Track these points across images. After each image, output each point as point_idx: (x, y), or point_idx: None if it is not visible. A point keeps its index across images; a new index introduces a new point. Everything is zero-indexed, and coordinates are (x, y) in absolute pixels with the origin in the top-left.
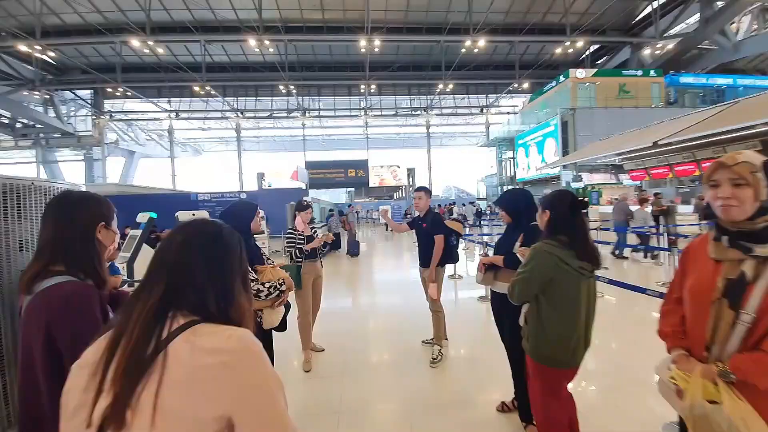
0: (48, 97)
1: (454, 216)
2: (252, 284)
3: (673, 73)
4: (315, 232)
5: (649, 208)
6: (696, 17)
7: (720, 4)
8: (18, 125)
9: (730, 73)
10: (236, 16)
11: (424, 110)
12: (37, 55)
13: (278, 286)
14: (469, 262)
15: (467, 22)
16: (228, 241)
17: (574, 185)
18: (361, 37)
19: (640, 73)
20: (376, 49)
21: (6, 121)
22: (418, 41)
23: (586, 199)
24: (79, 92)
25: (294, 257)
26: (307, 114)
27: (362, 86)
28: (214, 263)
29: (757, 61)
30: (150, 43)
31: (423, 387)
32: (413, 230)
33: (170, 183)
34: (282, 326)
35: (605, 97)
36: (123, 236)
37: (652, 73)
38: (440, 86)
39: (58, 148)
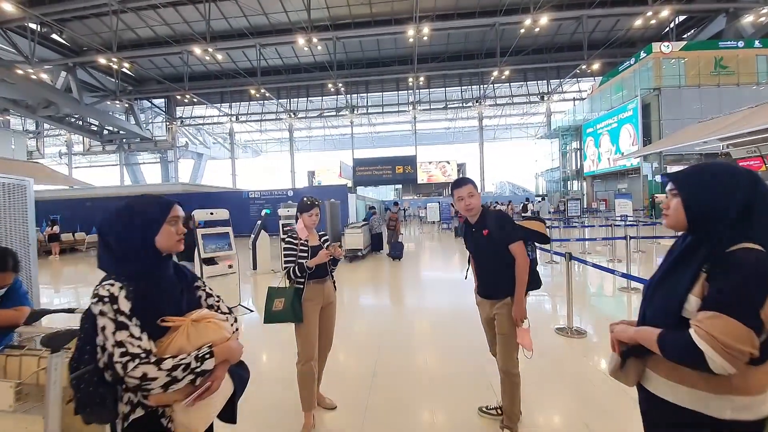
0: (128, 106)
1: (528, 214)
2: (132, 365)
3: None
4: (325, 240)
5: None
6: None
7: None
8: (105, 132)
9: None
10: (288, 18)
11: (476, 101)
12: (115, 67)
13: (193, 364)
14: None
15: (526, 1)
16: None
17: (659, 179)
18: (410, 27)
19: (741, 44)
20: (425, 38)
21: (95, 128)
22: (470, 27)
23: None
24: (155, 101)
25: (293, 276)
26: (355, 111)
27: (410, 80)
28: None
29: None
30: (210, 49)
31: None
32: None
33: (231, 182)
34: (228, 415)
35: (697, 74)
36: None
37: (757, 43)
38: (495, 74)
39: (138, 151)
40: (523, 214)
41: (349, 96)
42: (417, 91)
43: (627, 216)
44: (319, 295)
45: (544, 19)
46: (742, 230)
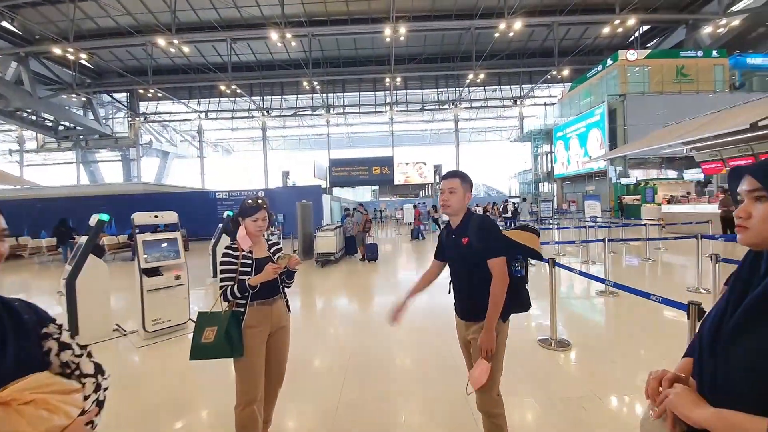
0: (86, 99)
1: (509, 215)
2: None
3: (738, 53)
4: (277, 251)
5: None
6: None
7: None
8: (60, 128)
9: None
10: (261, 12)
11: (453, 103)
12: (72, 58)
13: None
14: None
15: (500, 6)
16: None
17: (624, 182)
18: (387, 26)
19: (700, 54)
20: (402, 38)
21: (50, 124)
22: (446, 29)
23: None
24: (116, 95)
25: (230, 297)
26: (331, 111)
27: (387, 80)
28: None
29: None
30: (176, 41)
31: None
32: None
33: (200, 182)
34: None
35: (660, 81)
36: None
37: (714, 53)
38: (470, 77)
39: (97, 149)
40: (503, 215)
41: (325, 95)
42: (394, 91)
43: (596, 217)
44: (265, 320)
45: (518, 24)
46: None
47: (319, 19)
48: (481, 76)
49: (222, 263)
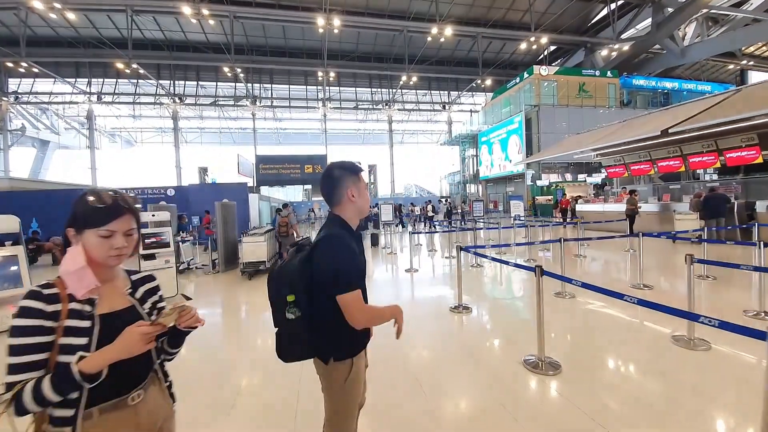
0: None
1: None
2: None
3: (626, 75)
4: (149, 292)
5: None
6: (647, 22)
7: (670, 10)
8: None
9: (672, 78)
10: None
11: (386, 104)
12: None
13: None
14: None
15: (431, 12)
16: None
17: (540, 183)
18: (319, 15)
19: (597, 73)
20: (336, 31)
21: None
22: (381, 27)
23: None
24: None
25: (30, 406)
26: (258, 103)
27: (320, 74)
28: None
29: (692, 69)
30: (58, 6)
31: None
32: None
33: (90, 178)
34: None
35: (566, 95)
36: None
37: (609, 74)
38: (403, 78)
39: None
40: (430, 214)
41: (250, 85)
42: (327, 88)
43: (519, 215)
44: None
45: (448, 30)
46: None
47: None
48: (414, 79)
49: (15, 331)
